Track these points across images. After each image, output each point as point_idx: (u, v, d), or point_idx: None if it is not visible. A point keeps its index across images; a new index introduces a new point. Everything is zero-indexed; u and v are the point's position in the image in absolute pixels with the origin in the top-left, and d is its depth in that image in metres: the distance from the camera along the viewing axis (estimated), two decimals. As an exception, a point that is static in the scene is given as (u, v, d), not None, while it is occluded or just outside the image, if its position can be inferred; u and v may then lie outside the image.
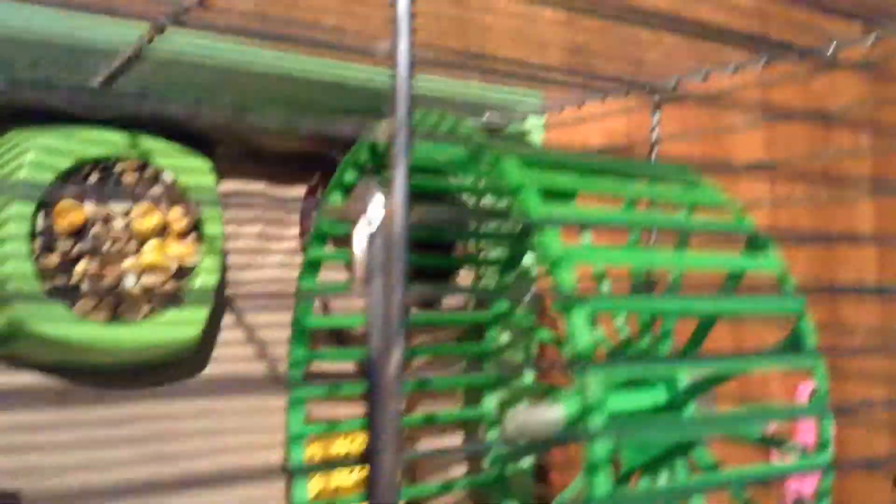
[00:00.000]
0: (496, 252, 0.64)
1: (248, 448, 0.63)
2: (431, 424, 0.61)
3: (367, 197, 0.26)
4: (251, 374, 0.64)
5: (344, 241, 0.59)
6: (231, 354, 0.64)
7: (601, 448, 0.33)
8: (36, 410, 0.55)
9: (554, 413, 0.50)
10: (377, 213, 0.26)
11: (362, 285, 0.26)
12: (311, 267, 0.56)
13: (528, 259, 0.64)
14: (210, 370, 0.63)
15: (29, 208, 0.52)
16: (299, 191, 0.68)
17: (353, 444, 0.64)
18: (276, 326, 0.66)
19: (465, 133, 0.37)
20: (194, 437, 0.61)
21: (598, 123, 0.60)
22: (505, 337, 0.65)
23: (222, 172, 0.62)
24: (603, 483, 0.33)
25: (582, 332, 0.35)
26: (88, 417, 0.57)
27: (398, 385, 0.26)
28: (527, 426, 0.49)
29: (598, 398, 0.34)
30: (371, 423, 0.26)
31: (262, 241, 0.67)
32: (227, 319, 0.65)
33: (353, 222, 0.27)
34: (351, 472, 0.61)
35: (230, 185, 0.64)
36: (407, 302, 0.26)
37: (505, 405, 0.65)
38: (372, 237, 0.26)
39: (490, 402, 0.64)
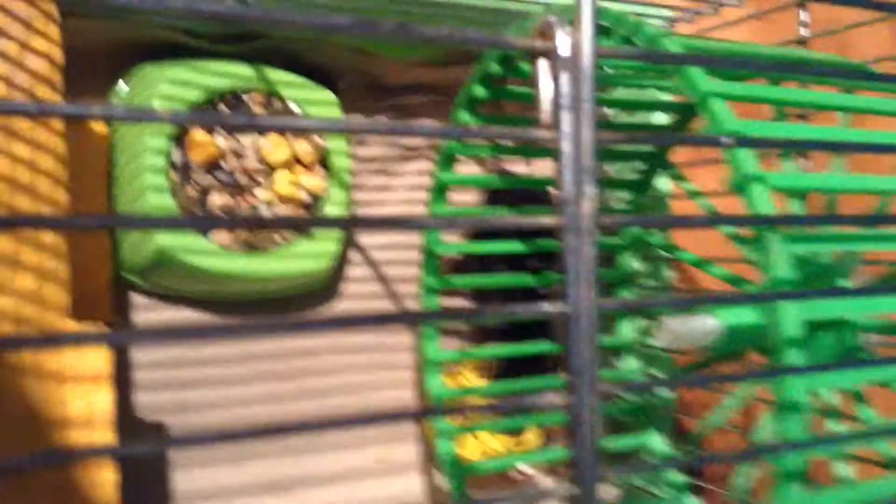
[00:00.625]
0: (628, 173, 0.61)
1: (378, 384, 0.63)
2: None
3: (550, 32, 0.25)
4: (381, 309, 0.64)
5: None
6: (359, 290, 0.64)
7: (792, 315, 0.30)
8: (178, 345, 0.56)
9: (709, 323, 0.48)
10: (563, 49, 0.25)
11: (549, 125, 0.25)
12: (440, 192, 0.55)
13: (662, 182, 0.62)
14: (339, 305, 0.63)
15: (163, 141, 0.52)
16: (422, 125, 0.67)
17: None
18: (402, 263, 0.65)
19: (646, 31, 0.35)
20: (330, 373, 0.61)
21: (736, 31, 0.56)
22: (638, 262, 0.63)
23: (343, 107, 0.61)
24: (797, 356, 0.30)
25: (765, 201, 0.32)
26: (227, 352, 0.58)
27: (593, 226, 0.24)
28: (681, 337, 0.47)
29: (785, 270, 0.31)
30: (567, 272, 0.24)
31: (385, 177, 0.66)
32: (355, 256, 0.64)
33: (535, 58, 0.25)
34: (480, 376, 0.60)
35: (350, 121, 0.64)
36: (600, 139, 0.25)
37: (643, 333, 0.63)
38: (558, 74, 0.25)
39: (625, 329, 0.62)
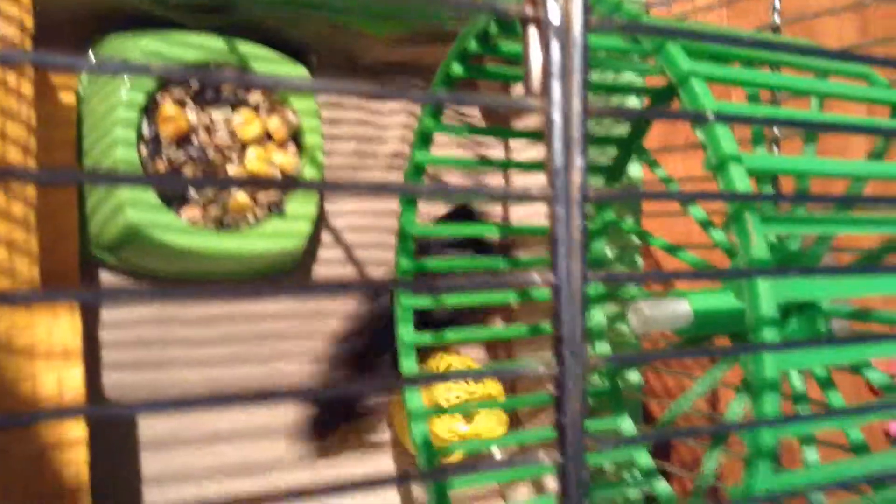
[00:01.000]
0: (601, 159, 0.62)
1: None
2: (538, 335, 0.59)
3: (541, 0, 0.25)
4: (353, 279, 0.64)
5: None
6: (331, 273, 0.63)
7: (767, 294, 0.31)
8: (147, 324, 0.55)
9: (680, 307, 0.48)
10: (554, 17, 0.24)
11: (538, 94, 0.25)
12: (416, 172, 0.55)
13: (634, 169, 0.62)
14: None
15: (134, 114, 0.51)
16: (395, 106, 0.66)
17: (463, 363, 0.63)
18: (376, 247, 0.65)
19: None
20: (302, 355, 0.61)
21: (710, 17, 0.57)
22: (609, 248, 0.63)
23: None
24: (771, 334, 0.31)
25: (743, 181, 0.33)
26: (196, 334, 0.57)
27: (582, 197, 0.24)
28: (653, 321, 0.47)
29: (759, 237, 0.31)
30: (555, 243, 0.24)
31: (357, 157, 0.65)
32: (326, 238, 0.64)
33: (526, 26, 0.25)
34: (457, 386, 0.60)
35: (323, 98, 0.63)
36: (589, 109, 0.24)
37: (612, 319, 0.63)
38: (548, 42, 0.24)
39: (597, 316, 0.62)
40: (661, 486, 0.56)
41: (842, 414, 0.32)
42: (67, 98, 0.51)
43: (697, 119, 0.26)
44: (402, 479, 0.22)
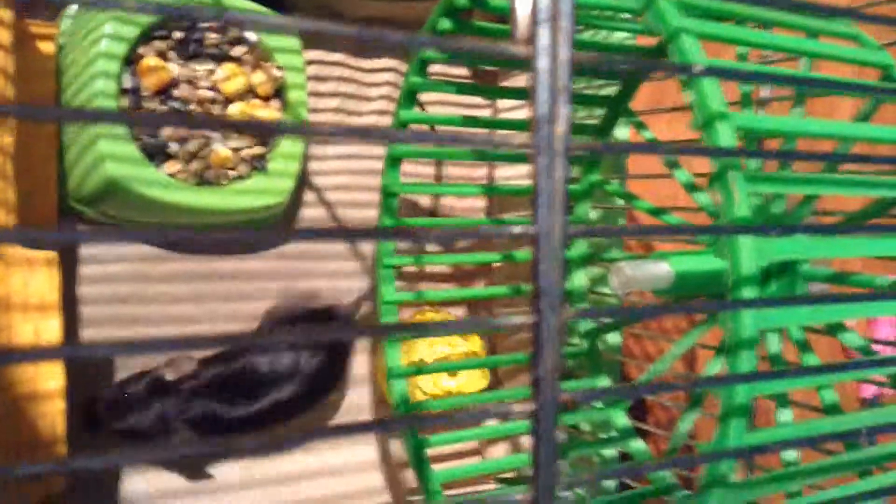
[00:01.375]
0: (589, 120, 0.61)
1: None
2: (519, 295, 0.60)
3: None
4: (336, 248, 0.63)
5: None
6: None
7: (748, 252, 0.31)
8: (124, 280, 0.55)
9: (661, 268, 0.48)
10: (540, -37, 0.24)
11: (525, 41, 0.24)
12: (402, 128, 0.54)
13: (621, 131, 0.62)
14: (293, 246, 0.62)
15: (115, 65, 0.50)
16: (380, 63, 0.66)
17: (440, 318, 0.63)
18: (357, 206, 0.65)
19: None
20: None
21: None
22: (593, 211, 0.63)
23: (301, 39, 0.59)
24: (751, 292, 0.31)
25: (730, 139, 0.32)
26: (176, 290, 0.57)
27: (566, 147, 0.24)
28: (634, 281, 0.48)
29: (742, 195, 0.31)
30: (537, 193, 0.24)
31: (340, 115, 0.65)
32: (309, 196, 0.63)
33: (513, -25, 0.25)
34: (433, 347, 0.60)
35: (307, 55, 0.62)
36: (575, 59, 0.24)
37: (595, 282, 0.63)
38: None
39: (578, 278, 0.62)
40: (637, 445, 0.56)
41: (815, 372, 0.32)
42: (47, 48, 0.50)
43: (685, 72, 0.26)
44: (379, 427, 0.22)
